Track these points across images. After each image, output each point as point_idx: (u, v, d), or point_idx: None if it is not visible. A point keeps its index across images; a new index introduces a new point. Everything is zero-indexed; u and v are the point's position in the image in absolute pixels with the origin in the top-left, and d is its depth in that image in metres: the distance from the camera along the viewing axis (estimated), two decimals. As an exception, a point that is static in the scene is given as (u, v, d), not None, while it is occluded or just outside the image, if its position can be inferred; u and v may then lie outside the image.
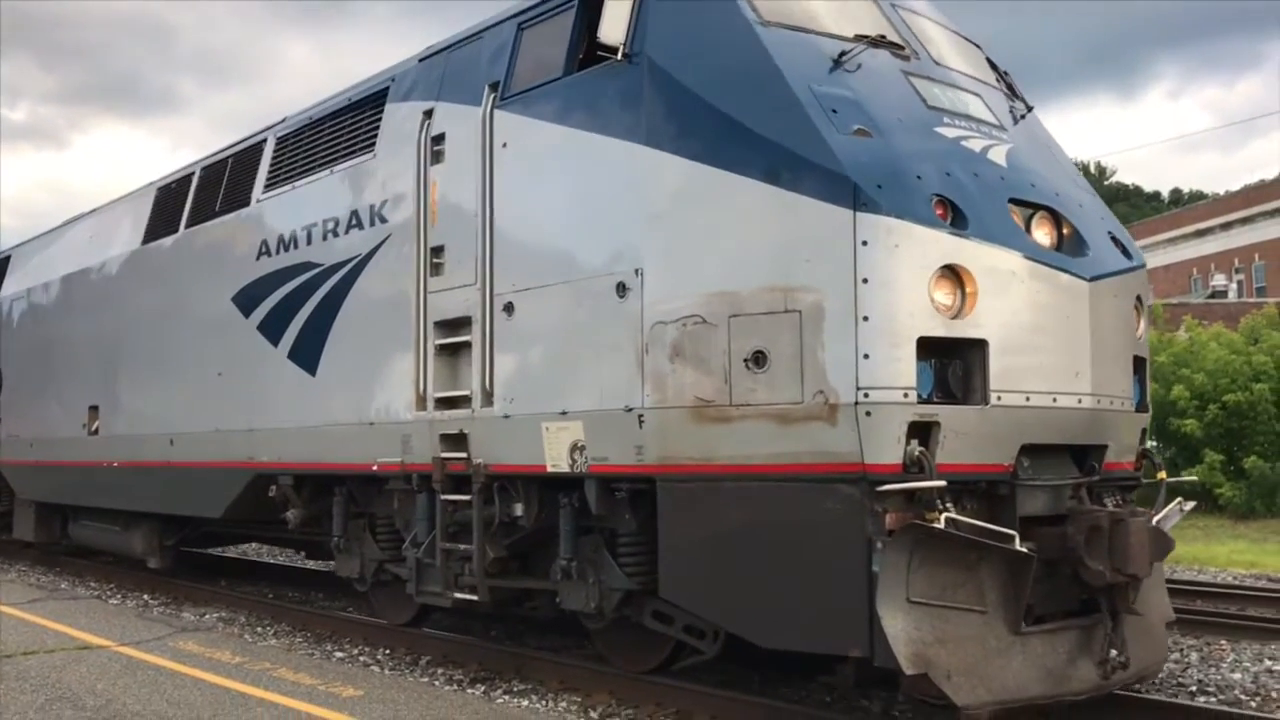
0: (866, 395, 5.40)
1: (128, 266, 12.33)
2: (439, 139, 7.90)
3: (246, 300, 9.91)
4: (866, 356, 5.41)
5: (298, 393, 9.14)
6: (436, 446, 7.67)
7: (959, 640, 5.46)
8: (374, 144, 8.56)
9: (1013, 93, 7.42)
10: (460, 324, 7.60)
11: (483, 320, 7.35)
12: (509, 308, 7.15)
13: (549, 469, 6.84)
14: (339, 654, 8.97)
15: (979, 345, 5.67)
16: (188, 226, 11.15)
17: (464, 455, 7.45)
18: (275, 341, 9.46)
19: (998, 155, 6.33)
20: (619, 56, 6.48)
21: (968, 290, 5.66)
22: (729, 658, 6.96)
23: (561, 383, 6.74)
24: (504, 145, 7.31)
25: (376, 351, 8.31)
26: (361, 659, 8.74)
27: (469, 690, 7.53)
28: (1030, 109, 7.28)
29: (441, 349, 7.75)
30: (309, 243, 9.15)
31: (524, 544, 7.54)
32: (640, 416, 6.20)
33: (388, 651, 8.95)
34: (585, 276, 6.60)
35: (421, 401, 7.87)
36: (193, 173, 11.44)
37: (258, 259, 9.82)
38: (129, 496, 12.04)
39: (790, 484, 5.64)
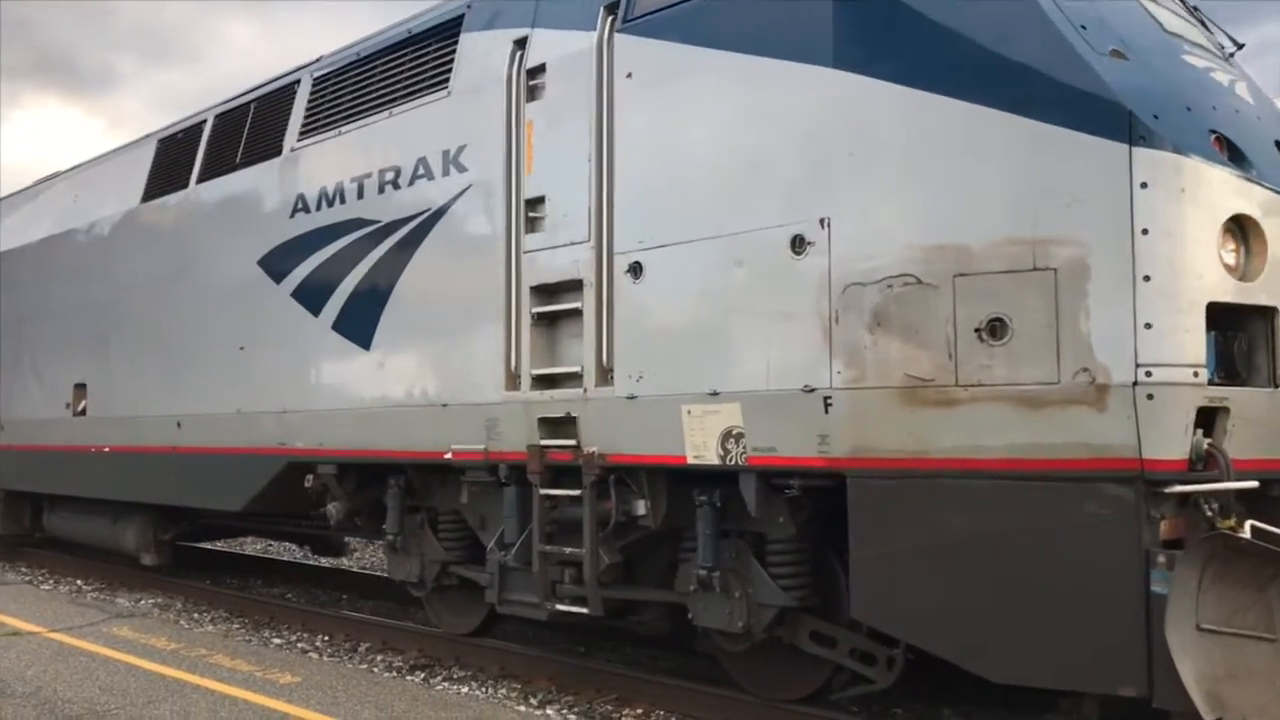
0: (1149, 374, 4.36)
1: (122, 228, 10.97)
2: (536, 72, 6.72)
3: (277, 263, 8.66)
4: (1148, 326, 4.38)
5: (345, 370, 7.93)
6: (534, 432, 6.52)
7: (1248, 675, 4.45)
8: (446, 80, 7.35)
9: (1206, 28, 6.41)
10: (565, 289, 6.45)
11: (598, 283, 6.21)
12: (636, 269, 6.01)
13: (690, 460, 5.72)
14: (277, 640, 8.90)
15: (1266, 314, 4.67)
16: (200, 181, 9.84)
17: (571, 443, 6.31)
18: (315, 310, 8.23)
19: (1243, 92, 5.32)
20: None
21: (1254, 246, 4.64)
22: (668, 644, 7.29)
23: (710, 357, 5.62)
24: (629, 76, 6.15)
25: (451, 322, 7.13)
26: (300, 645, 8.71)
27: (408, 677, 7.52)
28: (1240, 46, 6.27)
29: (540, 318, 6.59)
30: (360, 196, 7.92)
31: (634, 548, 6.43)
32: (827, 398, 5.10)
33: (326, 638, 8.93)
34: (746, 230, 5.48)
35: (513, 380, 6.71)
36: (204, 121, 10.12)
37: (292, 216, 8.56)
38: (123, 485, 10.70)
39: (1038, 483, 4.58)
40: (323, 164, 8.33)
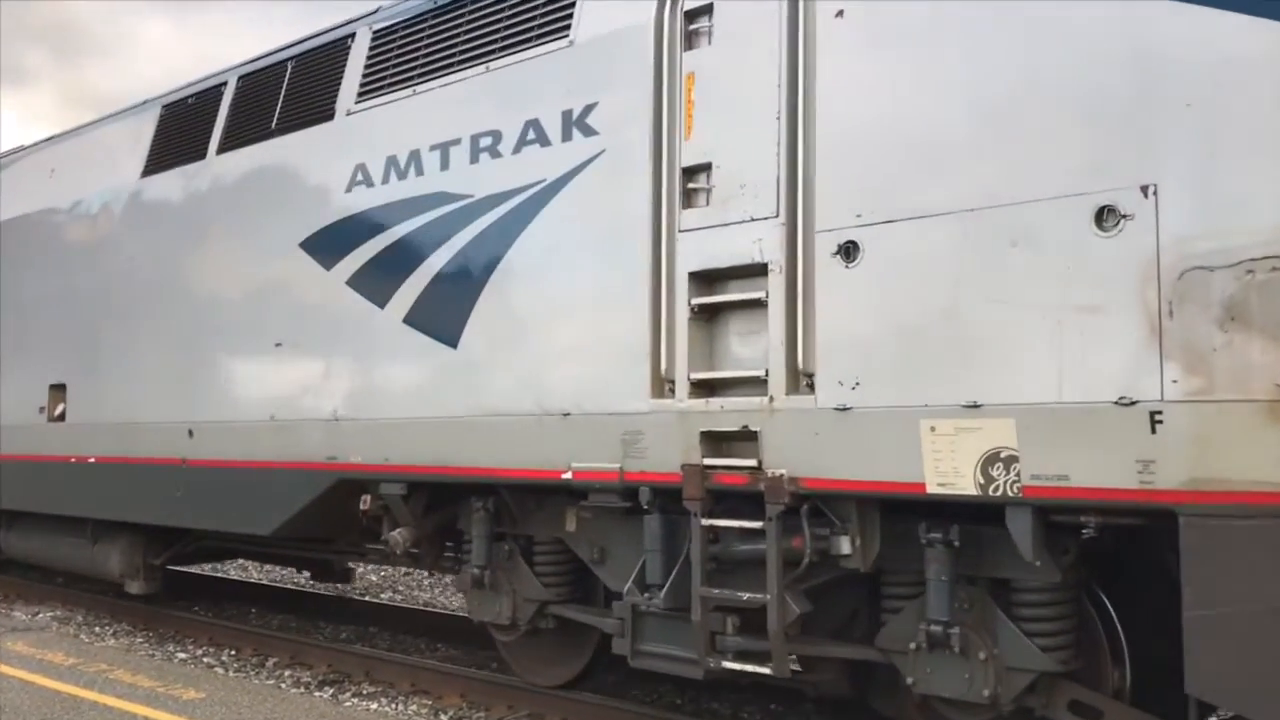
0: None
1: (116, 206, 9.54)
2: (698, 14, 5.56)
3: (328, 246, 7.37)
4: None
5: (421, 371, 6.67)
6: (693, 449, 5.34)
7: None
8: (567, 27, 6.15)
9: None
10: (736, 275, 5.30)
11: (790, 268, 5.06)
12: (849, 250, 4.87)
13: (932, 489, 4.59)
14: (181, 655, 8.71)
15: None
16: (222, 151, 8.47)
17: (749, 463, 5.14)
18: (380, 301, 6.95)
19: None
20: None
21: None
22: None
23: (967, 361, 4.50)
24: (839, 14, 5.01)
25: (574, 316, 5.93)
26: (205, 660, 8.54)
27: (316, 693, 7.41)
28: None
29: (701, 311, 5.42)
30: (444, 167, 6.67)
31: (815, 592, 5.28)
32: (1155, 414, 4.00)
33: (233, 652, 8.76)
34: (1024, 200, 4.37)
35: (662, 385, 5.52)
36: (223, 83, 8.76)
37: (349, 191, 7.28)
38: (112, 502, 9.25)
39: None
40: (391, 129, 7.06)
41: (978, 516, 4.71)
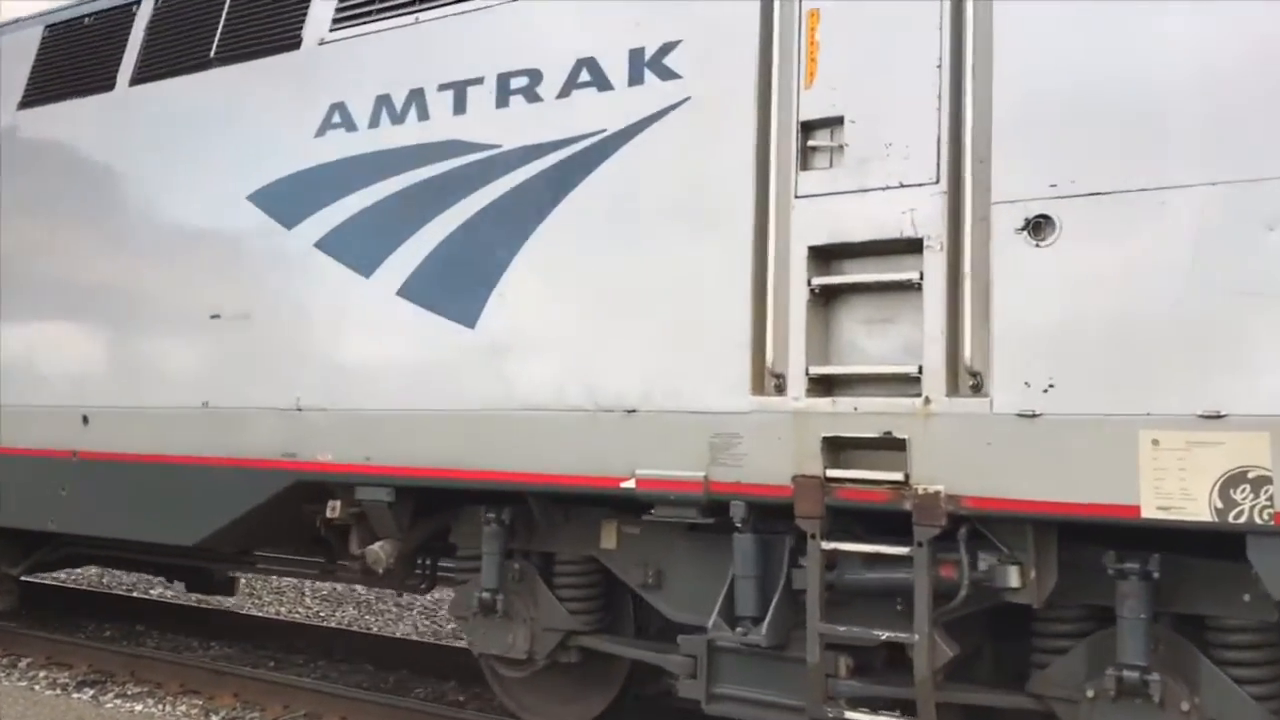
0: None
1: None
2: (830, -66, 4.69)
3: (291, 199, 6.12)
4: None
5: (425, 356, 5.56)
6: (810, 457, 4.47)
7: None
8: (636, -54, 5.16)
9: None
10: (875, 251, 4.46)
11: (957, 247, 4.25)
12: (1039, 225, 4.09)
13: (1150, 512, 3.86)
14: None
15: None
16: (138, 82, 7.04)
17: (894, 476, 4.30)
18: (366, 269, 5.78)
19: None
20: None
21: None
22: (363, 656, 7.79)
23: (1204, 362, 3.79)
24: (1024, -62, 4.22)
25: (646, 295, 4.96)
26: None
27: (75, 695, 7.13)
28: None
29: (821, 293, 4.55)
30: (460, 110, 5.57)
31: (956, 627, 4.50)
32: None
33: None
34: (1275, 176, 3.69)
35: (764, 380, 4.62)
36: (136, 0, 7.31)
37: (321, 135, 6.06)
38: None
39: None
40: (383, 63, 5.89)
41: (1169, 543, 4.03)
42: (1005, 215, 4.15)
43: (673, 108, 4.95)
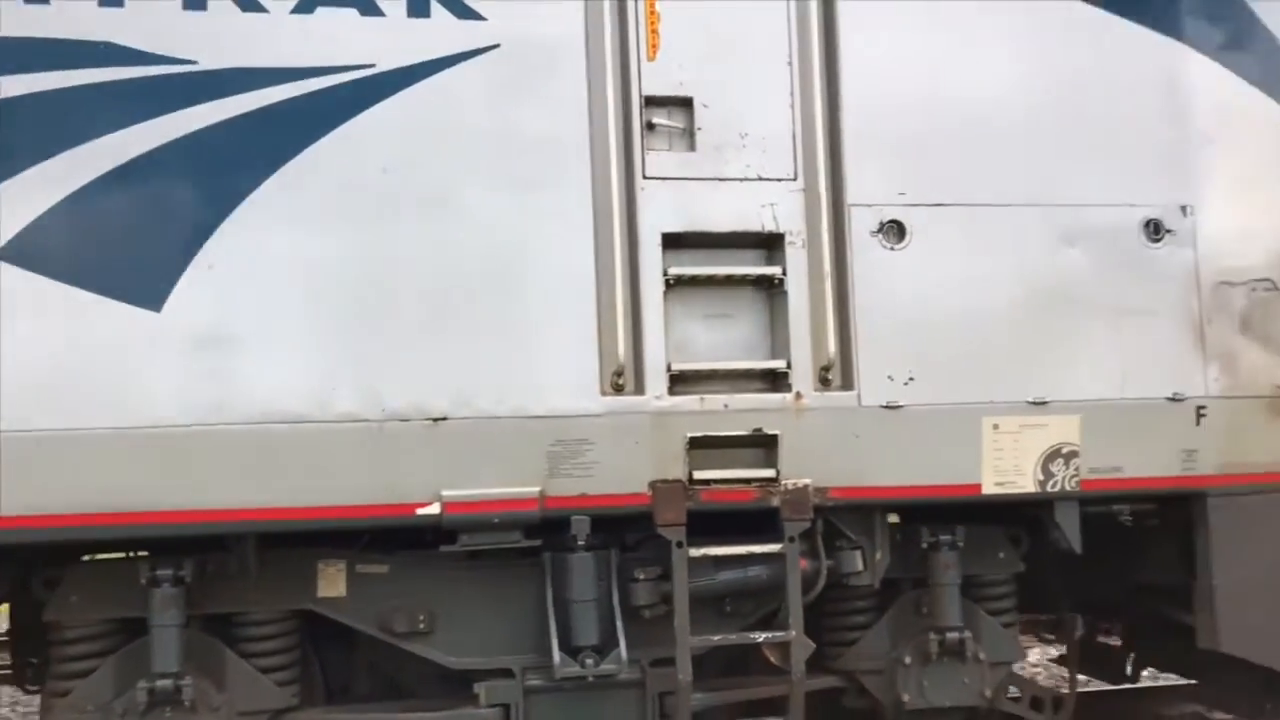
0: None
1: None
2: (664, -102, 4.34)
3: None
4: None
5: (57, 350, 3.80)
6: (674, 459, 4.16)
7: None
8: None
9: None
10: (738, 244, 4.32)
11: (815, 244, 4.33)
12: (893, 229, 4.37)
13: (989, 488, 4.41)
14: None
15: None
16: None
17: (765, 474, 4.23)
18: (-76, 215, 3.75)
19: None
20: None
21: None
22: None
23: (1031, 357, 4.44)
24: (865, -41, 4.45)
25: (453, 276, 4.07)
26: None
27: None
28: None
29: (679, 284, 4.25)
30: (117, 2, 3.92)
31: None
32: (1200, 408, 4.54)
33: None
34: (1081, 203, 4.51)
35: (618, 379, 4.16)
36: None
37: None
38: None
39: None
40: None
41: (963, 516, 4.65)
42: (863, 218, 4.35)
43: (474, 54, 4.14)
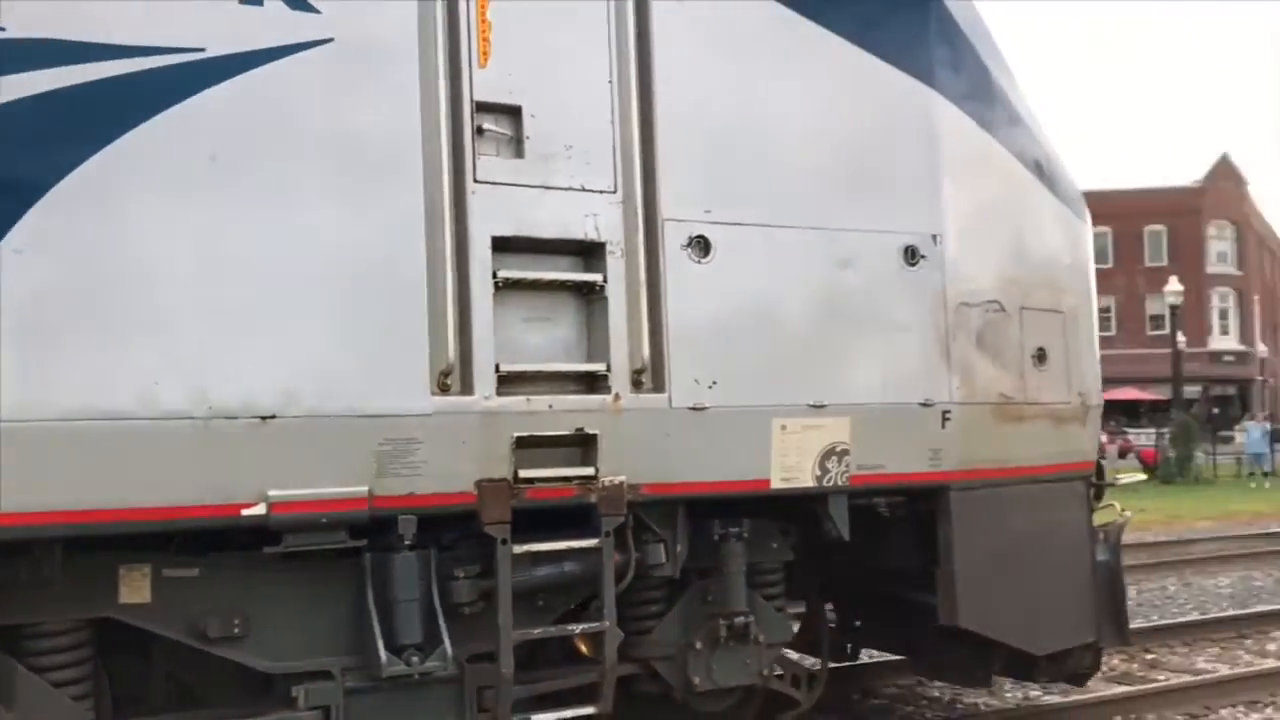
0: (1095, 399, 6.04)
1: None
2: (497, -85, 4.44)
3: None
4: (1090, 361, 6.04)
5: None
6: (500, 459, 4.29)
7: None
8: None
9: None
10: (564, 251, 4.50)
11: (633, 254, 4.58)
12: (700, 244, 4.70)
13: (776, 484, 4.84)
14: None
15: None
16: None
17: (584, 472, 4.43)
18: None
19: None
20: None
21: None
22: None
23: (812, 365, 4.90)
24: (677, -2, 4.74)
25: (282, 272, 3.98)
26: None
27: None
28: None
29: (508, 287, 4.37)
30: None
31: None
32: (945, 413, 5.19)
33: None
34: (854, 229, 5.03)
35: (446, 379, 4.22)
36: None
37: None
38: None
39: (1066, 483, 5.75)
40: None
41: (752, 511, 5.06)
42: (674, 232, 4.66)
43: (307, 46, 4.08)
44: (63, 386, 3.63)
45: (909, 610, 5.76)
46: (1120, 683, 7.65)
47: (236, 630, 4.14)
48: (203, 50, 3.91)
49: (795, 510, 5.17)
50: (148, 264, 3.78)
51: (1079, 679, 6.25)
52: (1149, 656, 8.48)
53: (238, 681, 4.34)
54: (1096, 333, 6.17)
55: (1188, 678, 7.75)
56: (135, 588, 4.05)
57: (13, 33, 3.66)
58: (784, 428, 4.84)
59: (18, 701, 3.85)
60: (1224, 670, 8.05)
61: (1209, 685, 7.44)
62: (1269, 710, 7.10)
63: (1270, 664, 8.20)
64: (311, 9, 4.08)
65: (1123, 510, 6.27)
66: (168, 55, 3.85)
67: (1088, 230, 6.18)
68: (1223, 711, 7.03)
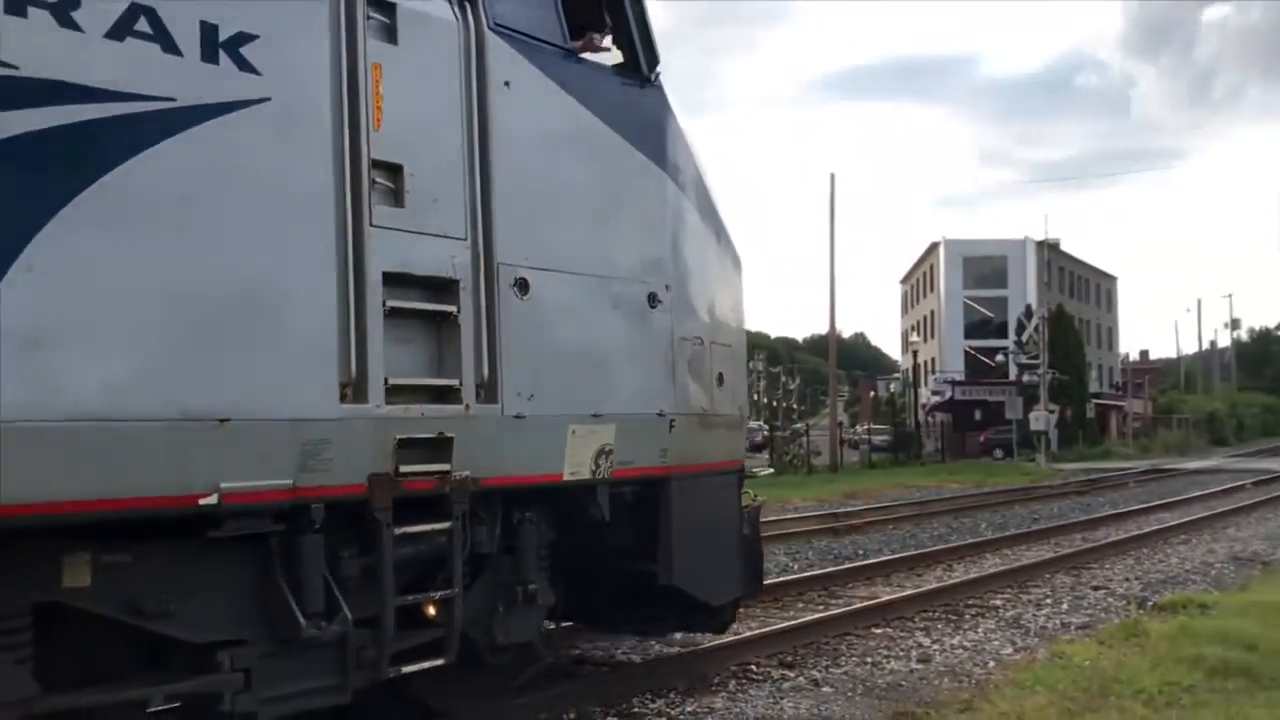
0: (745, 410, 7.99)
1: None
2: (388, 8, 5.31)
3: None
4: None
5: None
6: (386, 457, 5.21)
7: None
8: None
9: None
10: (431, 285, 5.47)
11: (477, 291, 5.66)
12: (522, 285, 5.86)
13: (566, 477, 6.12)
14: None
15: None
16: None
17: (441, 468, 5.45)
18: None
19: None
20: (644, 75, 6.78)
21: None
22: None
23: (592, 382, 6.24)
24: (506, 84, 5.87)
25: (231, 296, 4.64)
26: None
27: None
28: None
29: (396, 315, 5.28)
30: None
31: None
32: (671, 421, 6.76)
33: None
34: (619, 277, 6.44)
35: (348, 389, 5.06)
36: None
37: None
38: None
39: (730, 475, 7.57)
40: None
41: (526, 501, 6.29)
42: (505, 274, 5.80)
43: (253, 103, 4.77)
44: (51, 391, 4.08)
45: (609, 581, 7.24)
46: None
47: (172, 607, 4.68)
48: (173, 100, 4.48)
49: (561, 498, 6.45)
50: (137, 286, 4.31)
51: (725, 627, 8.11)
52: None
53: (139, 658, 4.82)
54: (746, 362, 8.08)
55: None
56: (78, 572, 4.47)
57: (26, 71, 4.05)
58: (574, 432, 6.14)
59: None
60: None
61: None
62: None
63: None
64: (255, 71, 4.77)
65: (755, 496, 8.25)
66: (147, 102, 4.39)
67: (743, 284, 8.09)
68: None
